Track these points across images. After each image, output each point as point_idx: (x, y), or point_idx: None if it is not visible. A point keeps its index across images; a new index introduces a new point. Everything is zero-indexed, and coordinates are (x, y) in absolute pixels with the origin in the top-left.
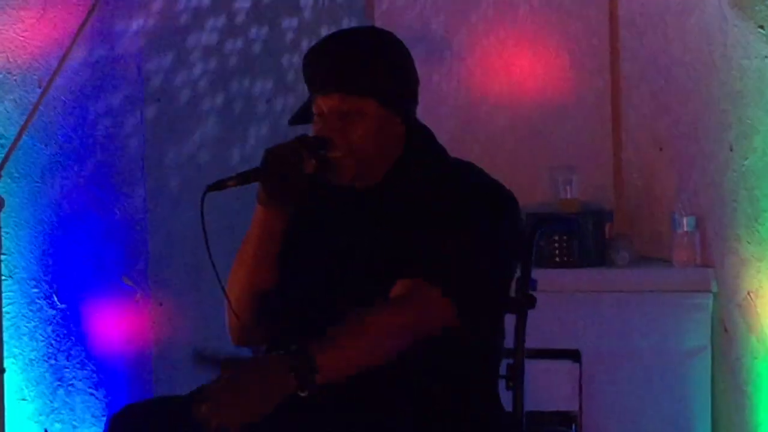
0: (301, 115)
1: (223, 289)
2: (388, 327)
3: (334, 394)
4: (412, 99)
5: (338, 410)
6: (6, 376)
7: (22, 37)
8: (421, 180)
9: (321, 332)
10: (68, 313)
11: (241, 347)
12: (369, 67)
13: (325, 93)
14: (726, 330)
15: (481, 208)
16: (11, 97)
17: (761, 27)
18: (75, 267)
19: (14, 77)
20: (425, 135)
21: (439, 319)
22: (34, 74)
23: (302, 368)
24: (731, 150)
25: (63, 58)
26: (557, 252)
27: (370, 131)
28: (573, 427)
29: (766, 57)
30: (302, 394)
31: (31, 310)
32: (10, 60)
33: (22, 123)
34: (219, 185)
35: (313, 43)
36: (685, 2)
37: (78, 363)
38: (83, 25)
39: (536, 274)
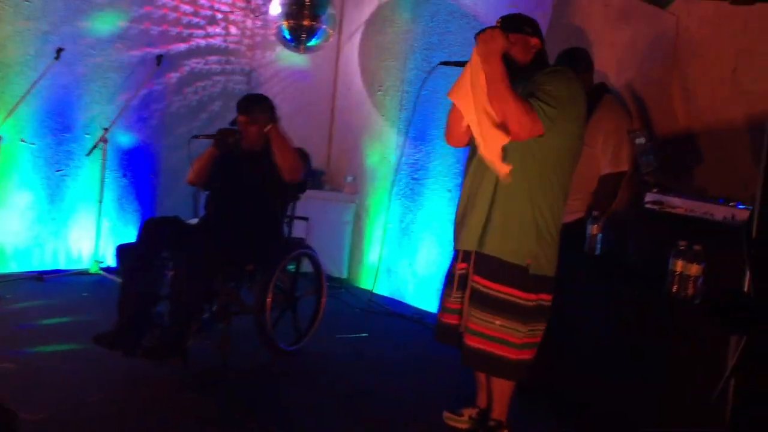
0: (234, 121)
1: (190, 165)
2: (295, 153)
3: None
4: (274, 120)
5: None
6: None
7: None
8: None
9: (229, 201)
10: None
11: (191, 184)
12: (257, 107)
13: (242, 113)
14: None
15: (301, 153)
16: None
17: None
18: None
19: None
20: (282, 131)
21: (302, 167)
22: None
23: (273, 121)
24: None
25: None
26: None
27: (255, 131)
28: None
29: None
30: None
31: None
32: None
33: None
34: (197, 136)
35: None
36: None
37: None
38: None
39: None
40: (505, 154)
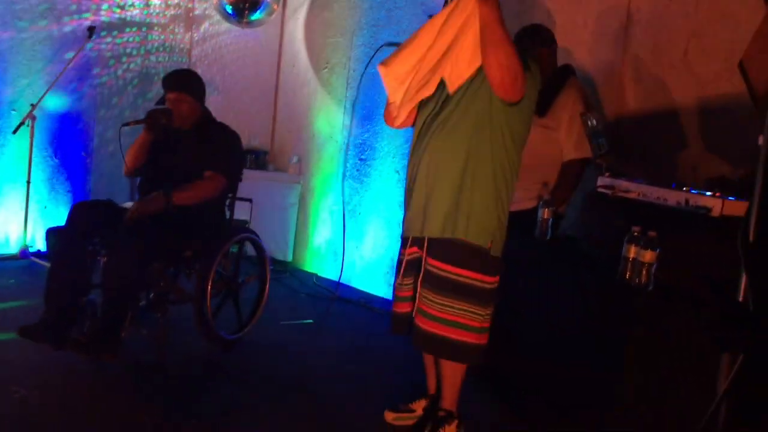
0: (161, 100)
1: (123, 157)
2: (203, 186)
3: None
4: (204, 96)
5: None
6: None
7: None
8: (205, 128)
9: (167, 186)
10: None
11: (129, 176)
12: (186, 83)
13: (170, 90)
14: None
15: (231, 141)
16: None
17: None
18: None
19: None
20: (207, 111)
21: (221, 184)
22: None
23: (167, 198)
24: None
25: None
26: None
27: (187, 108)
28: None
29: None
30: (167, 208)
31: None
32: None
33: None
34: (127, 123)
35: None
36: None
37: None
38: None
39: None
40: (476, 128)
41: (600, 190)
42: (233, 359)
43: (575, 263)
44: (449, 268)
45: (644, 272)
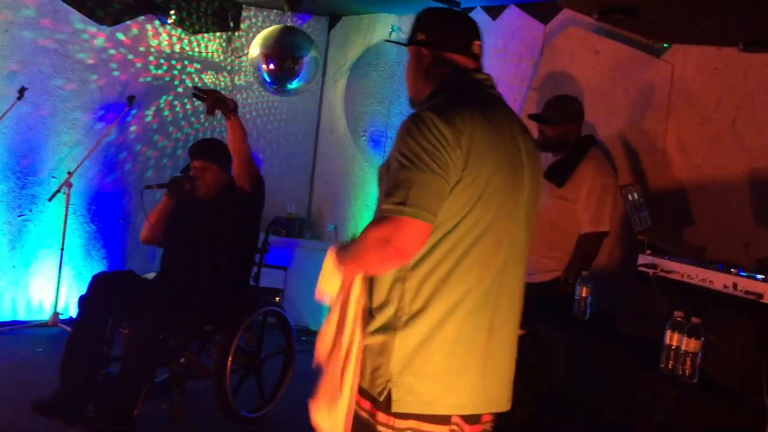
0: (187, 168)
1: (146, 216)
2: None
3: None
4: (230, 164)
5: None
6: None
7: None
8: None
9: (185, 254)
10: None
11: (145, 243)
12: (213, 152)
13: (196, 158)
14: None
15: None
16: None
17: None
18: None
19: None
20: (232, 178)
21: (254, 172)
22: None
23: (234, 106)
24: None
25: None
26: None
27: (212, 176)
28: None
29: None
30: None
31: None
32: None
33: None
34: (150, 186)
35: None
36: None
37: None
38: None
39: None
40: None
41: (641, 269)
42: None
43: (614, 345)
44: None
45: (688, 362)
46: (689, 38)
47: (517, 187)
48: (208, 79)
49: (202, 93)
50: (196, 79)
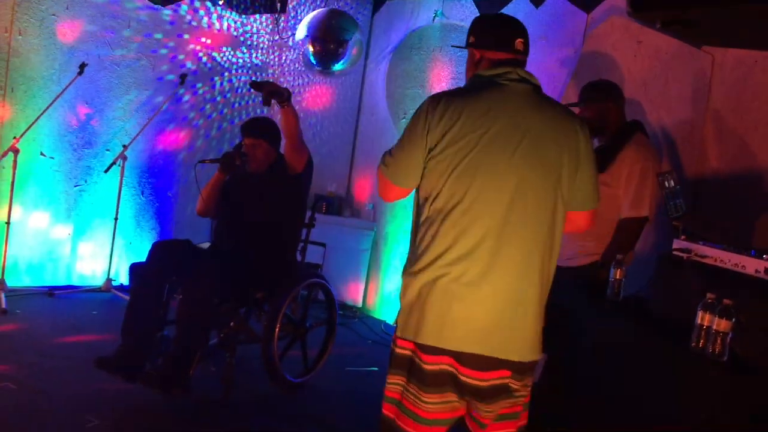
0: (239, 144)
1: (199, 190)
2: (298, 130)
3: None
4: (279, 142)
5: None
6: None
7: None
8: (278, 171)
9: (237, 226)
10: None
11: (200, 215)
12: (263, 129)
13: (248, 136)
14: None
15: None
16: None
17: None
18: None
19: None
20: (281, 155)
21: (305, 155)
22: None
23: (288, 95)
24: None
25: None
26: None
27: (262, 153)
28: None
29: None
30: (288, 96)
31: None
32: None
33: None
34: (203, 161)
35: None
36: None
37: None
38: None
39: None
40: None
41: (675, 253)
42: (298, 402)
43: (647, 327)
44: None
45: (719, 341)
46: (744, 45)
47: (508, 161)
48: (257, 61)
49: (258, 85)
50: (246, 58)
